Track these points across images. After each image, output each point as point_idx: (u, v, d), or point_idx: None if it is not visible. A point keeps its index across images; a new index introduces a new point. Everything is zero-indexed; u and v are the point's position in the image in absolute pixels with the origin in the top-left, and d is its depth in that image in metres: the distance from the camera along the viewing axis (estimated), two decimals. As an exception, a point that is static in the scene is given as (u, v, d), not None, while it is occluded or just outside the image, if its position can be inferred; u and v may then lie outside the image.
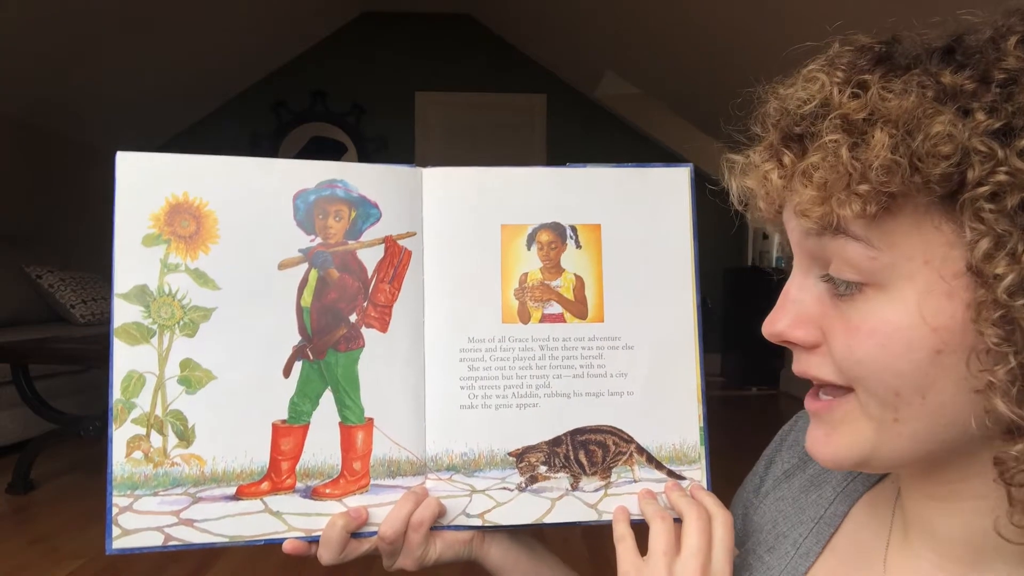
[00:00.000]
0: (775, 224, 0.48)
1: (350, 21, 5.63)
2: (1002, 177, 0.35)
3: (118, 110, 4.59)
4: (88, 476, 2.92)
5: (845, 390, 0.43)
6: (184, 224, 0.59)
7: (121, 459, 0.58)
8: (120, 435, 0.58)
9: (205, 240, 0.60)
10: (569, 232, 0.64)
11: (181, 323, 0.59)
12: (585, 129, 5.59)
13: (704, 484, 0.64)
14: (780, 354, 4.84)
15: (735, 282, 5.20)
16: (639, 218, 0.65)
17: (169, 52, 4.50)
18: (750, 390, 4.95)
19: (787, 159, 0.42)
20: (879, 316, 0.40)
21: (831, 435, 0.44)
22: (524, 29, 5.38)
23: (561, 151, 5.47)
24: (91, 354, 2.72)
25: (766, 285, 4.90)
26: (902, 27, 0.43)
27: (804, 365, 0.45)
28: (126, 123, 4.63)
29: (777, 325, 0.45)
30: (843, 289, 0.41)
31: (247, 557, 2.14)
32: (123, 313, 0.58)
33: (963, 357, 0.38)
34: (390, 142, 5.52)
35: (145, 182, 0.59)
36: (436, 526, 0.62)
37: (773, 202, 0.45)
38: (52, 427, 2.78)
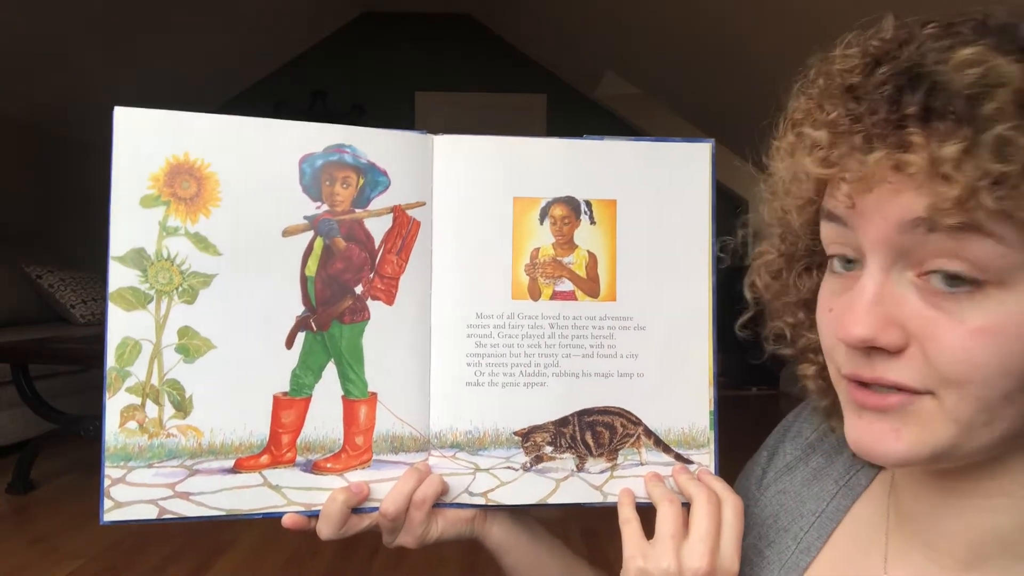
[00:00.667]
0: (820, 212, 0.43)
1: (350, 21, 5.64)
2: None
3: (118, 110, 4.59)
4: (88, 476, 2.91)
5: (923, 393, 0.40)
6: (184, 186, 0.57)
7: (114, 429, 0.56)
8: (114, 404, 0.56)
9: (206, 203, 0.57)
10: (584, 207, 0.62)
11: (180, 289, 0.57)
12: (585, 129, 5.56)
13: (712, 469, 0.62)
14: (780, 354, 4.82)
15: (735, 282, 5.18)
16: (656, 194, 0.63)
17: (169, 52, 4.51)
18: (750, 390, 4.94)
19: (918, 138, 0.36)
20: (1003, 315, 0.36)
21: (901, 431, 0.40)
22: (524, 29, 5.39)
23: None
24: (91, 354, 2.71)
25: (767, 285, 4.89)
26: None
27: (881, 370, 0.40)
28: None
29: (860, 330, 0.39)
30: (953, 287, 0.37)
31: (249, 554, 2.13)
32: (119, 277, 0.56)
33: None
34: (390, 142, 5.52)
35: (144, 140, 0.57)
36: (438, 503, 0.61)
37: (863, 191, 0.39)
38: (52, 427, 2.78)
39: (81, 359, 2.85)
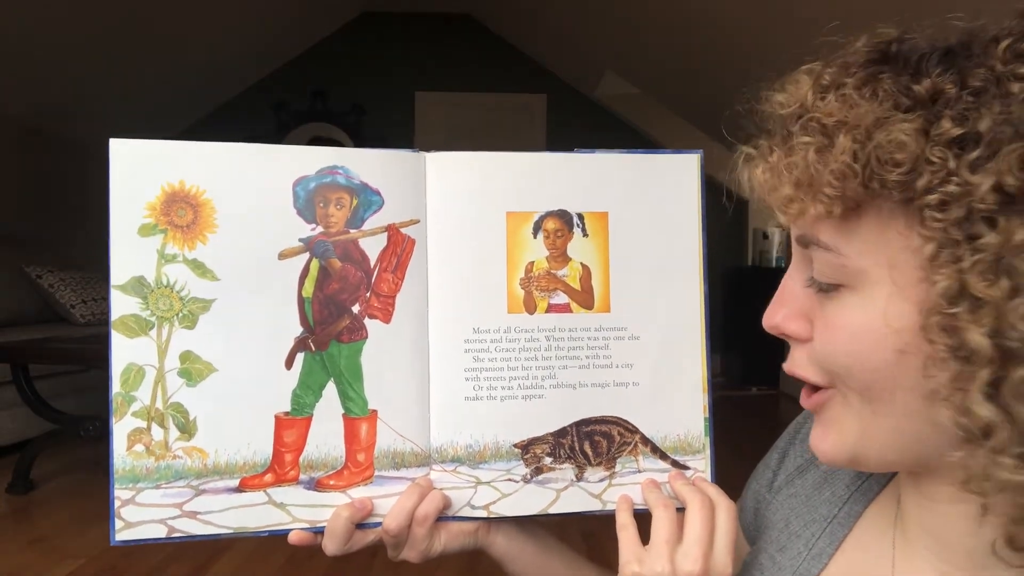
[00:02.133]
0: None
1: (350, 21, 5.63)
2: (952, 188, 0.36)
3: (118, 110, 4.59)
4: (88, 476, 2.92)
5: (828, 387, 0.45)
6: (181, 213, 0.58)
7: (122, 452, 0.57)
8: (120, 428, 0.57)
9: (203, 229, 0.58)
10: (576, 220, 0.63)
11: (180, 315, 0.58)
12: (585, 129, 5.59)
13: (708, 474, 0.63)
14: (780, 354, 4.83)
15: (735, 282, 5.19)
16: (647, 206, 0.64)
17: (169, 52, 4.50)
18: (750, 390, 4.94)
19: (775, 156, 0.43)
20: (850, 316, 0.42)
21: (825, 433, 0.46)
22: (524, 29, 5.38)
23: (559, 151, 5.47)
24: (91, 354, 2.72)
25: (766, 285, 4.89)
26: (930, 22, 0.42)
27: (791, 363, 0.47)
28: (126, 123, 4.61)
29: (775, 317, 0.47)
30: (824, 287, 0.43)
31: (248, 556, 2.14)
32: (120, 305, 0.57)
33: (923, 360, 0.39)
34: (390, 142, 5.52)
35: (140, 170, 0.58)
36: (441, 517, 0.62)
37: (764, 196, 0.46)
38: (52, 427, 2.78)
39: (81, 359, 2.86)
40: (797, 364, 0.46)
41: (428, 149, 0.63)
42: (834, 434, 0.45)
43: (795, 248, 0.46)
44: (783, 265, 5.09)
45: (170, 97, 4.98)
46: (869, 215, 0.40)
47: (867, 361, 0.41)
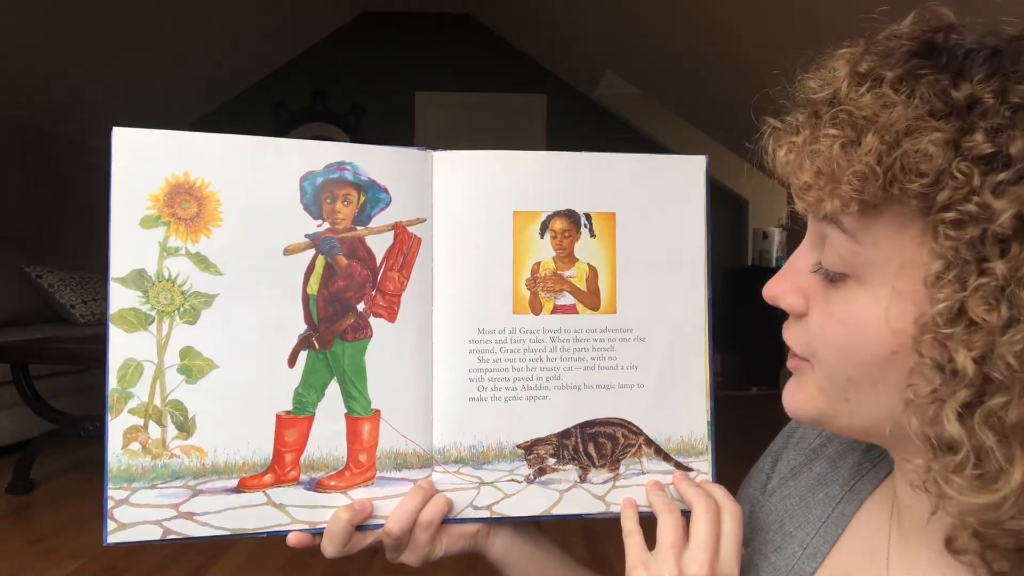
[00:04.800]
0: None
1: (350, 21, 5.63)
2: (971, 207, 0.36)
3: (118, 110, 4.58)
4: (88, 476, 2.92)
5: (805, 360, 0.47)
6: (185, 205, 0.56)
7: (117, 450, 0.56)
8: (116, 426, 0.56)
9: (207, 223, 0.57)
10: (584, 220, 0.63)
11: (181, 309, 0.56)
12: (585, 129, 5.58)
13: (710, 476, 0.63)
14: (780, 354, 4.83)
15: (735, 282, 5.19)
16: (654, 207, 0.64)
17: (169, 52, 4.50)
18: (750, 390, 4.94)
19: (800, 137, 0.43)
20: (852, 308, 0.42)
21: (795, 392, 0.48)
22: (524, 29, 5.38)
23: (561, 151, 5.47)
24: (91, 354, 2.72)
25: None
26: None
27: (785, 330, 0.48)
28: (126, 123, 4.59)
29: (774, 288, 0.47)
30: (831, 276, 0.43)
31: (248, 556, 2.14)
32: (120, 298, 0.56)
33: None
34: (390, 142, 5.44)
35: (143, 160, 0.56)
36: (444, 520, 0.61)
37: (781, 172, 0.45)
38: (52, 427, 2.78)
39: (81, 359, 2.86)
40: (789, 333, 0.48)
41: (432, 149, 0.63)
42: (802, 397, 0.48)
43: (811, 224, 0.46)
44: (783, 265, 5.08)
45: (170, 97, 4.98)
46: (887, 215, 0.40)
47: (857, 355, 0.42)
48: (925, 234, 0.38)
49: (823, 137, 0.40)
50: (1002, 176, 0.35)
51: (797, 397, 0.48)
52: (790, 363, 0.49)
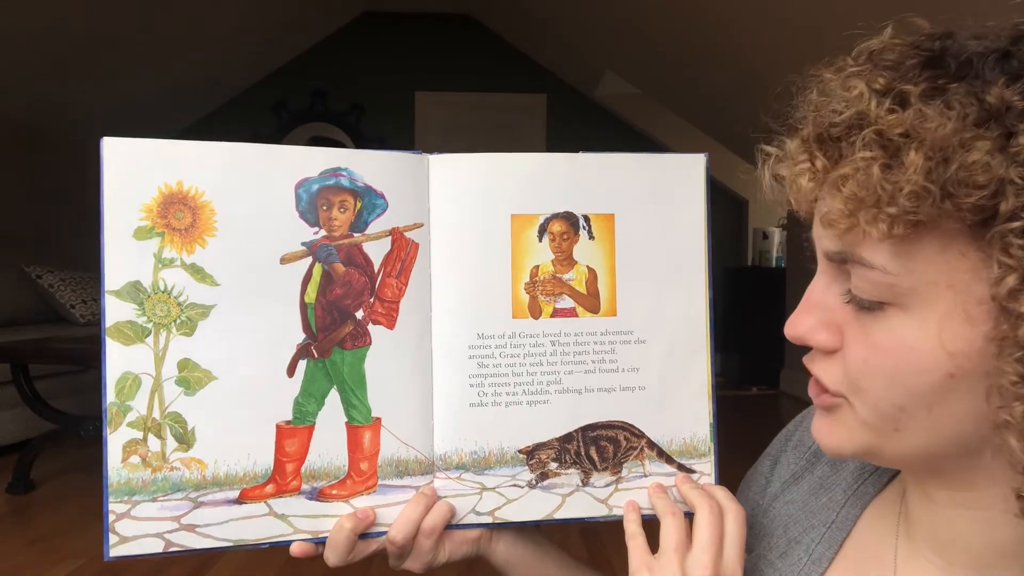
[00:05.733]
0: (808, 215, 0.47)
1: (350, 21, 5.63)
2: None
3: (118, 110, 4.58)
4: (88, 476, 2.91)
5: (842, 396, 0.44)
6: (179, 216, 0.56)
7: (117, 464, 0.55)
8: (115, 439, 0.55)
9: (202, 233, 0.56)
10: (582, 222, 0.62)
11: (178, 321, 0.56)
12: (585, 129, 5.58)
13: (712, 478, 0.63)
14: (780, 354, 4.83)
15: (735, 282, 5.19)
16: (653, 207, 0.63)
17: (169, 52, 4.50)
18: (750, 390, 4.94)
19: (820, 163, 0.41)
20: (899, 336, 0.40)
21: (832, 430, 0.45)
22: (524, 29, 5.38)
23: (561, 151, 5.46)
24: (91, 354, 2.71)
25: (766, 285, 4.90)
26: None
27: (815, 367, 0.45)
28: (126, 123, 4.61)
29: (799, 327, 0.44)
30: (867, 305, 0.41)
31: (247, 559, 2.13)
32: (115, 311, 0.55)
33: (976, 382, 0.38)
34: (390, 142, 5.51)
35: (135, 170, 0.55)
36: (447, 526, 0.61)
37: (801, 202, 0.44)
38: (52, 427, 2.78)
39: (81, 359, 2.85)
40: (821, 369, 0.45)
41: (429, 150, 0.62)
42: (842, 435, 0.45)
43: (823, 260, 0.44)
44: (783, 265, 5.09)
45: (170, 97, 4.98)
46: (931, 235, 0.38)
47: (910, 383, 0.40)
48: (983, 248, 0.36)
49: (852, 162, 0.38)
50: None
51: (836, 435, 0.45)
52: (819, 400, 0.46)
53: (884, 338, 0.40)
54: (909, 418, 0.41)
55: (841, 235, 0.40)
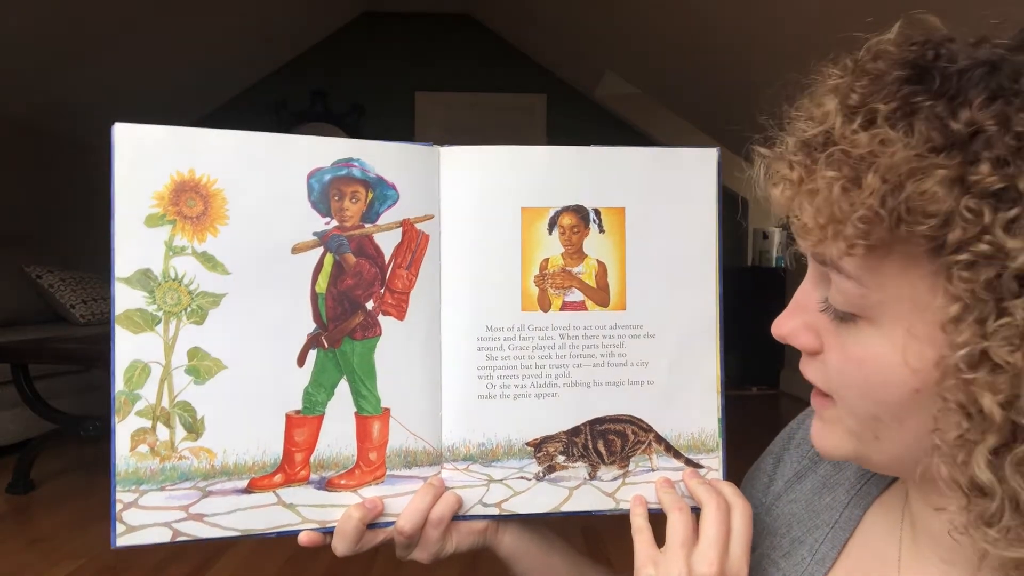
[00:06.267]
0: None
1: (350, 21, 5.63)
2: (983, 247, 0.34)
3: (118, 110, 4.55)
4: (88, 476, 2.92)
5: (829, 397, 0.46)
6: (190, 203, 0.55)
7: (125, 453, 0.55)
8: (124, 428, 0.55)
9: (213, 221, 0.56)
10: (592, 216, 0.62)
11: (188, 309, 0.55)
12: (585, 129, 5.58)
13: (720, 473, 0.63)
14: (780, 354, 4.83)
15: (735, 282, 5.19)
16: (664, 202, 0.63)
17: (169, 52, 4.50)
18: (750, 390, 4.94)
19: (796, 174, 0.41)
20: (867, 348, 0.41)
21: (824, 434, 0.47)
22: (524, 29, 5.38)
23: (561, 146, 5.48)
24: (91, 354, 2.71)
25: (766, 285, 4.90)
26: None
27: (803, 367, 0.47)
28: (126, 123, 4.60)
29: (783, 328, 0.46)
30: (841, 315, 0.42)
31: (249, 555, 2.13)
32: (125, 299, 0.54)
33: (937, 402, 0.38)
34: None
35: (147, 157, 0.55)
36: (454, 517, 0.61)
37: (780, 209, 0.44)
38: (52, 427, 2.78)
39: (81, 359, 2.86)
40: (808, 369, 0.47)
41: (438, 143, 0.62)
42: (832, 441, 0.47)
43: (811, 262, 0.44)
44: (783, 265, 5.09)
45: (170, 97, 4.97)
46: (893, 256, 0.38)
47: (878, 394, 0.41)
48: (937, 275, 0.36)
49: (820, 178, 0.38)
50: (1014, 212, 0.33)
51: (828, 440, 0.47)
52: (814, 401, 0.48)
53: (856, 350, 0.41)
54: (884, 428, 0.42)
55: (814, 245, 0.41)
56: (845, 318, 0.42)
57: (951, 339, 0.36)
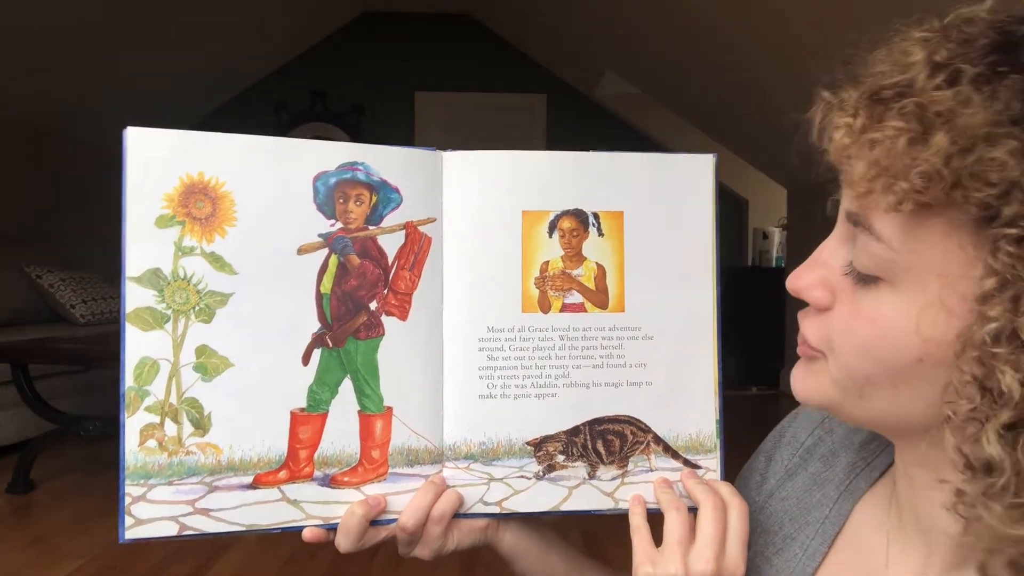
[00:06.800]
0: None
1: (350, 21, 5.64)
2: None
3: (118, 110, 4.57)
4: (88, 476, 2.92)
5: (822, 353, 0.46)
6: (199, 205, 0.57)
7: (134, 448, 0.56)
8: (132, 423, 0.56)
9: (221, 222, 0.57)
10: (592, 219, 0.63)
11: (197, 308, 0.57)
12: (585, 129, 5.59)
13: (718, 474, 0.64)
14: (780, 354, 4.84)
15: (735, 282, 5.20)
16: (662, 206, 0.64)
17: (169, 52, 4.50)
18: (750, 390, 4.95)
19: (859, 122, 0.40)
20: (881, 310, 0.41)
21: (805, 378, 0.48)
22: (524, 29, 5.39)
23: (562, 151, 5.47)
24: (91, 354, 2.72)
25: (766, 285, 4.91)
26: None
27: (803, 319, 0.48)
28: (126, 123, 4.58)
29: (799, 282, 0.46)
30: (863, 278, 0.42)
31: (249, 555, 2.14)
32: (135, 297, 0.56)
33: (939, 373, 0.39)
34: (390, 142, 5.44)
35: (158, 160, 0.57)
36: (455, 515, 0.62)
37: (835, 154, 0.43)
38: (52, 427, 2.78)
39: (81, 359, 2.86)
40: (808, 324, 0.47)
41: (440, 149, 0.63)
42: (812, 385, 0.47)
43: (841, 220, 0.44)
44: (783, 265, 5.10)
45: (170, 97, 4.98)
46: (937, 220, 0.38)
47: (879, 356, 0.41)
48: (979, 247, 0.36)
49: (886, 128, 0.38)
50: None
51: (807, 383, 0.48)
52: (801, 350, 0.48)
53: (868, 308, 0.42)
54: (874, 389, 0.43)
55: (859, 197, 0.40)
56: (867, 280, 0.42)
57: (982, 312, 0.36)
